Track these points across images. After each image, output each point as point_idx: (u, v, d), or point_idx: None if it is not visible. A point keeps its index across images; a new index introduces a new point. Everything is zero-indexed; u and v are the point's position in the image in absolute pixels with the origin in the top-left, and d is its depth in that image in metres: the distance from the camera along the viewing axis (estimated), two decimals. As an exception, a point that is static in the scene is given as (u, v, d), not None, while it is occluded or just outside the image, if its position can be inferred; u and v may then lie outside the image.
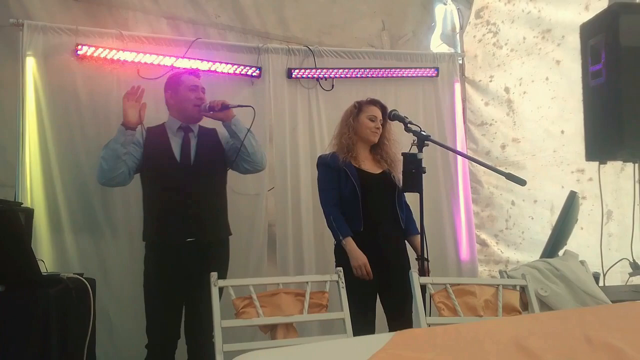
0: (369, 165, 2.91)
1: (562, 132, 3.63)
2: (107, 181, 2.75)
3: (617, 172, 3.22)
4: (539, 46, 3.79)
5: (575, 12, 3.45)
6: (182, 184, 2.72)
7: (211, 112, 2.79)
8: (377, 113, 2.93)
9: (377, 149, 2.97)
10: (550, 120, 3.73)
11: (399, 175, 2.82)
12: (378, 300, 2.88)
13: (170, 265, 2.68)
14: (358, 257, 2.73)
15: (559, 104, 3.64)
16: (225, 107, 2.75)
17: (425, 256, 2.60)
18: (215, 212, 2.82)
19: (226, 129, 2.82)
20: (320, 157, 3.00)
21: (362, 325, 2.60)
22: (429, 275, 2.67)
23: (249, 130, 2.77)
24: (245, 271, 3.35)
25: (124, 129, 2.66)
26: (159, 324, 2.70)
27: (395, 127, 2.95)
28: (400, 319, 2.77)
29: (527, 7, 3.85)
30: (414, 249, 2.93)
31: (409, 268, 2.87)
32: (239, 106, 2.79)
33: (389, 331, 2.65)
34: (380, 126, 2.93)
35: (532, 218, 3.87)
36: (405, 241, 2.96)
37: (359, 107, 2.95)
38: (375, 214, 2.83)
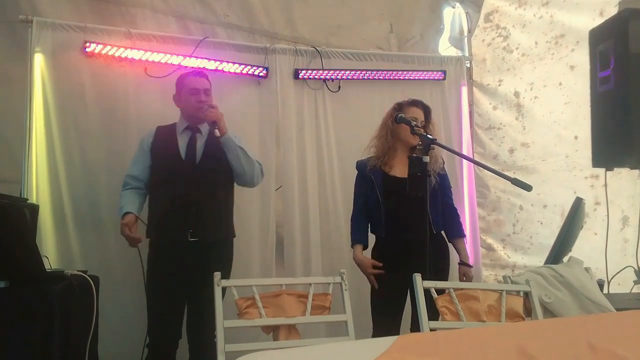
0: (402, 170, 2.82)
1: (576, 137, 3.61)
2: None
3: (634, 179, 3.21)
4: (552, 51, 3.76)
5: (590, 17, 3.42)
6: (186, 183, 2.72)
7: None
8: (419, 114, 2.84)
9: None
10: (563, 126, 3.70)
11: (435, 176, 2.80)
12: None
13: (172, 265, 2.68)
14: (363, 265, 2.80)
15: (573, 109, 3.61)
16: (213, 125, 2.73)
17: (426, 260, 2.55)
18: (219, 212, 2.82)
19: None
20: (356, 163, 3.00)
21: (388, 329, 2.60)
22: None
23: (232, 151, 2.75)
24: (253, 271, 3.35)
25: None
26: (160, 323, 2.71)
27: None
28: None
29: (539, 12, 3.83)
30: (457, 253, 2.93)
31: (445, 271, 2.87)
32: (220, 136, 2.72)
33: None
34: (421, 128, 2.81)
35: (542, 223, 3.85)
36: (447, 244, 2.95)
37: (399, 109, 2.85)
38: (402, 219, 2.78)
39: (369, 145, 2.96)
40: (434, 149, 2.54)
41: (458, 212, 3.01)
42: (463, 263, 2.92)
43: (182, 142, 2.81)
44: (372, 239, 2.93)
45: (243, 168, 2.78)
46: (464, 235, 3.01)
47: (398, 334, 2.73)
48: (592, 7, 3.45)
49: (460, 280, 2.89)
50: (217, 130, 2.71)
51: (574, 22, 3.61)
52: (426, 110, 2.91)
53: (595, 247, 3.23)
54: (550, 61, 3.79)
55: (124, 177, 2.86)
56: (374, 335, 2.69)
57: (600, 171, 3.31)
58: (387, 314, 2.78)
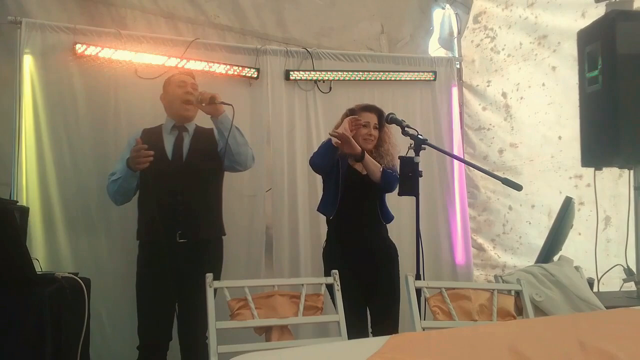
0: (360, 167, 2.87)
1: (560, 137, 3.64)
2: (121, 204, 2.84)
3: (616, 179, 3.24)
4: (535, 52, 3.81)
5: (572, 18, 3.47)
6: (173, 183, 2.71)
7: (203, 104, 2.76)
8: (371, 119, 2.89)
9: (374, 152, 2.92)
10: (547, 126, 3.74)
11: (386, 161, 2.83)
12: None
13: (162, 266, 2.67)
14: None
15: (556, 109, 3.66)
16: (212, 100, 2.72)
17: (422, 261, 2.56)
18: (207, 211, 2.81)
19: (214, 124, 2.79)
20: (322, 143, 2.98)
21: (357, 329, 2.62)
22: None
23: (231, 127, 2.71)
24: (242, 272, 3.34)
25: (133, 172, 2.68)
26: (150, 324, 2.69)
27: (393, 130, 2.95)
28: (385, 321, 2.76)
29: (524, 13, 3.86)
30: None
31: (393, 267, 2.88)
32: (222, 103, 2.73)
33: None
34: (374, 132, 2.89)
35: (530, 223, 3.88)
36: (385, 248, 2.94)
37: (351, 113, 2.91)
38: (355, 215, 2.82)
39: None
40: (425, 149, 2.56)
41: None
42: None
43: (169, 142, 2.81)
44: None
45: (239, 148, 2.76)
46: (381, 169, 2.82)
47: (367, 333, 2.75)
48: (575, 8, 3.49)
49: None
50: (220, 106, 2.71)
51: (557, 23, 3.65)
52: (379, 114, 2.92)
53: (580, 247, 3.27)
54: (533, 62, 3.83)
55: (108, 176, 2.80)
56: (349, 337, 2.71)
57: (584, 171, 3.35)
58: (355, 314, 2.73)
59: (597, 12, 2.89)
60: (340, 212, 2.83)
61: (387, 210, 2.94)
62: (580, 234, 3.37)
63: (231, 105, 2.71)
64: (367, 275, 2.80)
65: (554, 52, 3.67)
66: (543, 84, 3.76)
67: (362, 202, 2.85)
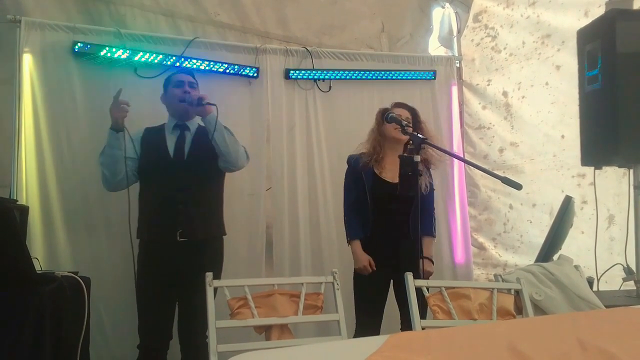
0: (390, 174, 2.86)
1: (563, 136, 3.63)
2: (113, 187, 2.80)
3: (620, 177, 3.23)
4: (539, 51, 3.79)
5: (575, 17, 3.46)
6: (174, 182, 2.71)
7: (192, 106, 2.77)
8: (403, 112, 2.90)
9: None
10: (550, 125, 3.73)
11: (425, 179, 2.81)
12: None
13: (162, 265, 2.68)
14: (360, 259, 2.84)
15: (560, 108, 3.64)
16: (199, 102, 2.73)
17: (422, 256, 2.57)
18: (207, 210, 2.81)
19: (205, 124, 2.79)
20: (348, 157, 3.03)
21: (372, 329, 2.62)
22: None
23: (216, 126, 2.71)
24: (243, 271, 3.34)
25: (115, 133, 2.68)
26: (150, 323, 2.70)
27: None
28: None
29: (526, 12, 3.85)
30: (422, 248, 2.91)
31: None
32: (207, 103, 2.73)
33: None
34: (411, 127, 2.84)
35: (531, 222, 3.88)
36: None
37: (384, 113, 2.91)
38: (387, 223, 2.84)
39: (361, 142, 3.00)
40: (424, 148, 2.56)
41: (434, 214, 3.04)
42: (424, 257, 2.86)
43: (171, 141, 2.82)
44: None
45: (227, 147, 2.74)
46: (432, 235, 2.98)
47: (379, 333, 2.75)
48: (577, 7, 3.48)
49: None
50: (208, 106, 2.72)
51: (560, 22, 3.64)
52: (412, 112, 2.95)
53: (583, 246, 3.27)
54: (536, 61, 3.82)
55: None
56: (357, 336, 2.73)
57: (587, 170, 3.35)
58: (371, 314, 2.83)
59: (600, 10, 2.88)
60: (375, 225, 2.86)
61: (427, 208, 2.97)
62: (583, 232, 3.38)
63: (215, 105, 2.73)
64: (391, 279, 2.84)
65: (558, 51, 3.66)
66: (547, 83, 3.74)
67: (396, 210, 2.84)
